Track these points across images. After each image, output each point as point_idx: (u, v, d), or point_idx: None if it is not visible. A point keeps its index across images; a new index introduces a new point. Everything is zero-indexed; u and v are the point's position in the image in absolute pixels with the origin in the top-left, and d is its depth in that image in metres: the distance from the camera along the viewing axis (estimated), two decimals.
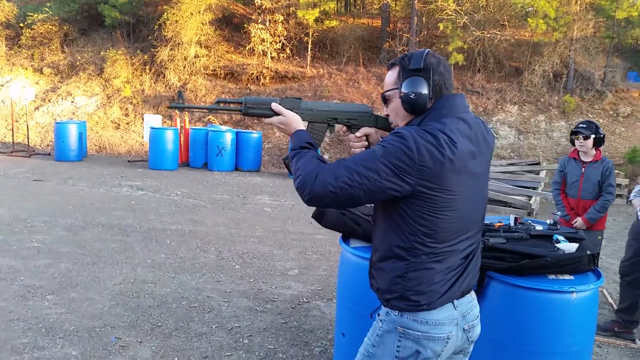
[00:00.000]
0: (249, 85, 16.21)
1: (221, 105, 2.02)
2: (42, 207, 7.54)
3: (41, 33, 17.56)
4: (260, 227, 7.01)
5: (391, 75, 1.71)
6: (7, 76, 17.04)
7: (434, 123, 1.57)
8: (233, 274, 5.03)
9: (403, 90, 1.63)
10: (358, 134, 1.90)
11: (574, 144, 4.27)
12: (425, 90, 1.60)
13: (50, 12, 17.49)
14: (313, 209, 2.90)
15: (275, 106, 1.85)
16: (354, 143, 1.91)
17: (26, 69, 17.23)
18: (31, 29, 17.48)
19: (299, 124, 1.83)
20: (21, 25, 17.67)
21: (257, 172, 12.61)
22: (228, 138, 12.27)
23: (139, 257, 5.42)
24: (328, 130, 1.96)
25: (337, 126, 1.97)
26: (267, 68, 16.20)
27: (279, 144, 14.38)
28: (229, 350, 3.47)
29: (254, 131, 13.29)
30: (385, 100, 1.74)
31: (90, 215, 7.14)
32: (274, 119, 1.86)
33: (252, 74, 16.14)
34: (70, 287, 4.45)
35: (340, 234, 2.89)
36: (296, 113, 1.87)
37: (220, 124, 14.40)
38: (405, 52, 1.71)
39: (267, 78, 16.14)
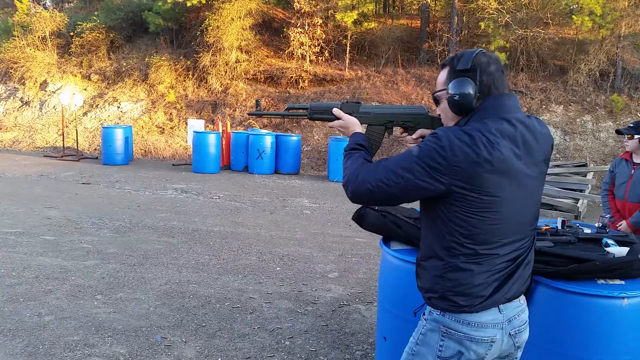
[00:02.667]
0: (288, 88, 16.35)
1: (291, 111, 2.17)
2: (90, 209, 7.82)
3: (89, 41, 18.23)
4: (300, 230, 7.06)
5: (442, 76, 1.71)
6: (58, 83, 17.76)
7: (475, 123, 1.57)
8: (274, 276, 5.09)
9: (450, 91, 1.63)
10: (414, 135, 1.95)
11: None
12: (470, 91, 1.59)
13: (98, 21, 18.13)
14: (352, 211, 2.91)
15: (335, 111, 1.98)
16: (410, 145, 1.94)
17: (75, 76, 17.91)
18: (80, 38, 18.18)
19: (357, 127, 1.93)
20: (71, 34, 18.41)
21: (297, 175, 12.69)
22: (268, 141, 12.41)
23: (184, 258, 5.55)
24: (387, 132, 2.01)
25: (396, 128, 2.02)
26: (306, 71, 16.30)
27: (317, 147, 14.44)
28: (271, 352, 3.51)
29: (293, 134, 13.39)
30: (437, 101, 1.75)
31: (136, 217, 7.36)
32: (335, 123, 1.99)
33: (292, 77, 16.27)
34: (118, 287, 4.60)
35: (381, 237, 2.89)
36: (355, 117, 1.97)
37: (260, 128, 14.59)
38: (456, 52, 1.71)
39: (306, 81, 16.24)
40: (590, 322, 2.08)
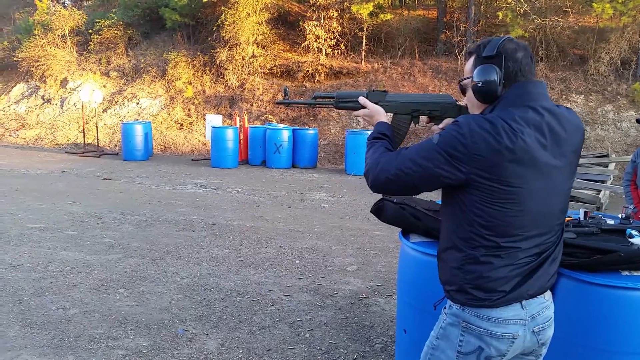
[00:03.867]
0: (304, 82, 16.34)
1: (318, 99, 2.16)
2: (112, 204, 7.94)
3: (107, 38, 18.45)
4: (318, 223, 7.08)
5: (468, 64, 1.68)
6: (78, 81, 18.00)
7: (499, 111, 1.52)
8: (293, 269, 5.11)
9: (474, 78, 1.59)
10: (441, 125, 1.90)
11: None
12: (494, 78, 1.55)
13: (116, 18, 18.32)
14: (370, 204, 2.92)
15: (361, 100, 1.95)
16: None
17: (94, 73, 18.13)
18: (99, 35, 18.40)
19: (381, 116, 1.90)
20: (90, 31, 18.63)
21: (314, 169, 12.70)
22: (285, 135, 12.43)
23: (204, 252, 5.61)
24: (413, 122, 1.98)
25: (423, 117, 1.98)
26: (322, 65, 16.26)
27: (334, 141, 14.42)
28: (291, 344, 3.54)
29: (310, 128, 13.39)
30: (463, 89, 1.72)
31: (157, 212, 7.45)
32: (360, 112, 1.96)
33: (308, 71, 16.25)
34: (140, 281, 4.67)
35: (400, 229, 2.88)
36: (381, 106, 1.93)
37: (278, 122, 14.62)
38: (483, 39, 1.67)
39: (322, 75, 16.20)
40: (614, 314, 2.06)
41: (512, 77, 1.57)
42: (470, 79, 1.63)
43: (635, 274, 2.12)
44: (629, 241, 2.30)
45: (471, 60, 1.66)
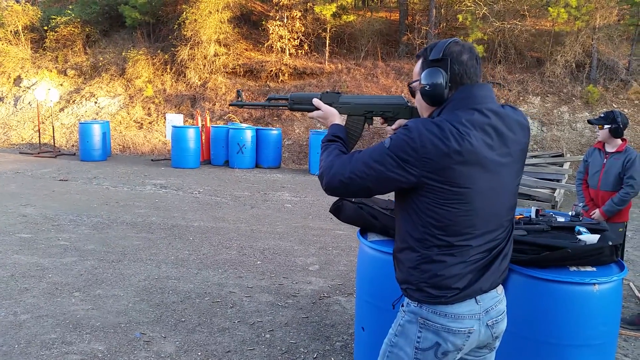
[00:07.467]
0: (268, 82, 16.26)
1: (272, 101, 2.16)
2: (68, 206, 7.70)
3: (64, 35, 17.89)
4: (281, 223, 7.05)
5: (417, 67, 1.71)
6: (33, 79, 17.40)
7: (446, 114, 1.56)
8: (255, 270, 5.08)
9: (421, 81, 1.63)
10: (393, 126, 1.93)
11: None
12: (440, 81, 1.58)
13: (73, 15, 17.78)
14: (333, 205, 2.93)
15: (315, 101, 1.98)
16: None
17: (51, 71, 17.56)
18: (55, 32, 17.83)
19: (335, 117, 1.92)
20: (45, 28, 18.04)
21: (278, 169, 12.66)
22: (248, 135, 12.34)
23: (163, 254, 5.50)
24: (366, 123, 2.00)
25: (377, 118, 2.00)
26: (286, 65, 16.22)
27: (298, 141, 14.41)
28: (251, 345, 3.51)
29: (274, 128, 13.34)
30: (412, 92, 1.75)
31: (114, 214, 7.27)
32: (314, 113, 1.98)
33: (271, 71, 16.19)
34: (96, 284, 4.55)
35: (358, 228, 2.90)
36: (335, 107, 1.96)
37: (241, 122, 14.50)
38: (428, 44, 1.70)
39: (286, 75, 16.17)
40: (562, 308, 2.12)
41: (458, 80, 1.61)
42: (419, 82, 1.66)
43: (582, 269, 2.19)
44: (577, 238, 2.38)
45: (419, 63, 1.70)
